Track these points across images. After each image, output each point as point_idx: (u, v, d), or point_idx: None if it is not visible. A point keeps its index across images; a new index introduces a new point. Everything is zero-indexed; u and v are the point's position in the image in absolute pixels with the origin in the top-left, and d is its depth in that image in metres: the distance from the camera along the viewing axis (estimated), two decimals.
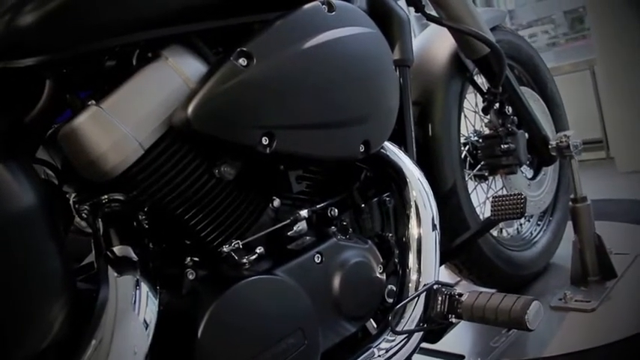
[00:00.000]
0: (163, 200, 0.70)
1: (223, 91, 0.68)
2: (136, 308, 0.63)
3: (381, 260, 0.89)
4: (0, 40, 0.63)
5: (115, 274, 0.65)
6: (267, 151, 0.71)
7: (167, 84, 0.69)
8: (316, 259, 0.79)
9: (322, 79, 0.76)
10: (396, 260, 0.95)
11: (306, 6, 0.77)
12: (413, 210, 0.95)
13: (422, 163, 1.09)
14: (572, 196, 1.42)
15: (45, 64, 0.63)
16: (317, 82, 0.75)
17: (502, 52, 1.23)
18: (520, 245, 1.49)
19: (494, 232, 1.50)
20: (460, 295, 0.86)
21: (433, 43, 1.31)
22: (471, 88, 1.37)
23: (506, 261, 1.40)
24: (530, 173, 1.50)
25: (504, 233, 1.55)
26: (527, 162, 1.41)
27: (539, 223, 1.58)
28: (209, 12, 0.73)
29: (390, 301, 0.90)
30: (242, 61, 0.69)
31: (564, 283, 1.45)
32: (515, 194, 0.93)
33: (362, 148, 0.82)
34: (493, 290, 0.86)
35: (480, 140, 1.37)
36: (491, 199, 0.98)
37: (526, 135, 1.36)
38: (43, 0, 0.63)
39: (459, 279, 1.45)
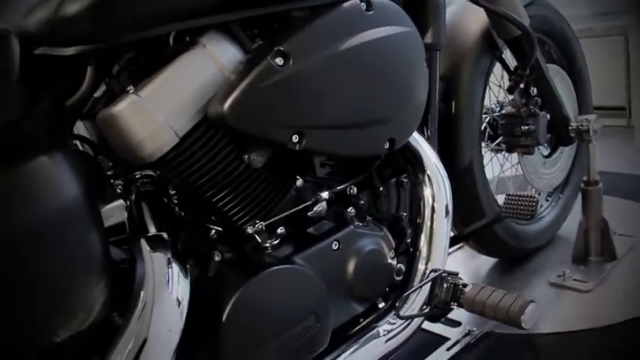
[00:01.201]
0: (194, 182, 0.74)
1: (259, 91, 0.70)
2: (170, 287, 0.68)
3: (394, 245, 0.94)
4: (44, 27, 0.65)
5: (150, 252, 0.70)
6: (297, 147, 0.74)
7: (204, 72, 0.71)
8: (334, 246, 0.84)
9: (355, 81, 0.78)
10: (408, 241, 1.00)
11: (346, 4, 0.77)
12: (428, 195, 0.99)
13: (442, 137, 1.12)
14: (584, 178, 1.44)
15: (87, 53, 0.66)
16: (350, 84, 0.77)
17: (534, 36, 1.22)
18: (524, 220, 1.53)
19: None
20: (464, 285, 0.92)
21: (466, 18, 1.30)
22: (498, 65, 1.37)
23: (510, 233, 1.44)
24: (546, 151, 1.52)
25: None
26: (546, 143, 1.42)
27: (548, 198, 1.61)
28: (248, 1, 0.74)
29: (399, 279, 0.96)
30: (279, 61, 0.71)
31: (566, 259, 1.51)
32: (528, 196, 0.96)
33: (387, 145, 0.85)
34: (493, 288, 0.91)
35: (502, 114, 1.38)
36: (505, 196, 1.01)
37: (548, 116, 1.37)
38: None
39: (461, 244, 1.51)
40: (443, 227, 1.00)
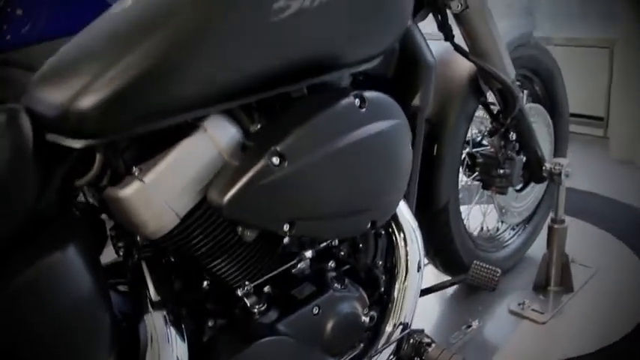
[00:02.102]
0: (191, 252, 0.80)
1: (256, 187, 0.75)
2: (171, 348, 0.77)
3: (368, 303, 1.02)
4: (55, 117, 0.69)
5: (151, 313, 0.77)
6: (287, 234, 0.80)
7: (204, 156, 0.76)
8: (314, 311, 0.92)
9: (345, 176, 0.83)
10: (382, 290, 1.08)
11: (341, 103, 0.81)
12: (402, 252, 1.07)
13: (422, 176, 1.18)
14: (552, 216, 1.53)
15: (97, 145, 0.70)
16: (340, 179, 0.83)
17: (518, 93, 1.27)
18: (492, 247, 1.63)
19: (474, 228, 1.63)
20: (428, 344, 1.01)
21: (455, 62, 1.33)
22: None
23: (474, 259, 1.52)
24: (519, 185, 1.59)
25: (484, 229, 1.67)
26: (520, 183, 1.49)
27: (514, 227, 1.70)
28: (254, 88, 0.77)
29: (369, 323, 1.04)
30: (275, 160, 0.75)
31: (528, 285, 1.62)
32: (493, 269, 1.04)
33: (369, 225, 0.91)
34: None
35: (480, 154, 1.44)
36: (474, 262, 1.09)
37: (523, 159, 1.44)
38: (100, 85, 0.68)
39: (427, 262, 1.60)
40: (415, 282, 1.08)
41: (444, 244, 1.44)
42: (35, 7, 1.99)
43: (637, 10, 2.31)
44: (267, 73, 0.78)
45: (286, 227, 0.80)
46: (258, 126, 0.82)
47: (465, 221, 1.52)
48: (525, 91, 1.58)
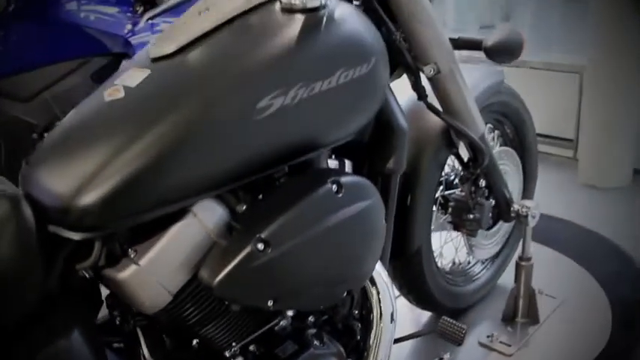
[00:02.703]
0: (182, 322, 0.88)
1: (243, 271, 0.82)
2: None
3: (345, 356, 1.09)
4: (56, 209, 0.76)
5: None
6: (271, 309, 0.88)
7: (195, 238, 0.84)
8: None
9: (325, 257, 0.90)
10: (358, 338, 1.16)
11: (319, 191, 0.88)
12: (375, 305, 1.14)
13: (397, 225, 1.26)
14: (520, 254, 1.62)
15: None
16: (320, 260, 0.90)
17: (486, 150, 1.35)
18: (462, 281, 1.72)
19: (446, 262, 1.71)
20: None
21: (428, 115, 1.40)
22: None
23: (445, 293, 1.62)
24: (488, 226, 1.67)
25: (456, 262, 1.76)
26: (488, 225, 1.57)
27: (483, 262, 1.79)
28: (240, 175, 0.85)
29: None
30: (260, 246, 0.82)
31: (497, 316, 1.71)
32: (459, 327, 1.12)
33: (345, 294, 0.99)
34: None
35: (452, 197, 1.52)
36: (442, 318, 1.17)
37: (492, 203, 1.52)
38: (99, 181, 0.75)
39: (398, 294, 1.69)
40: (388, 332, 1.15)
41: (417, 282, 1.52)
42: (15, 38, 2.02)
43: (604, 40, 2.41)
44: (252, 162, 0.86)
45: (270, 303, 0.87)
46: (244, 207, 0.89)
47: (437, 257, 1.61)
48: (497, 133, 1.67)
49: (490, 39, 1.24)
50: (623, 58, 2.38)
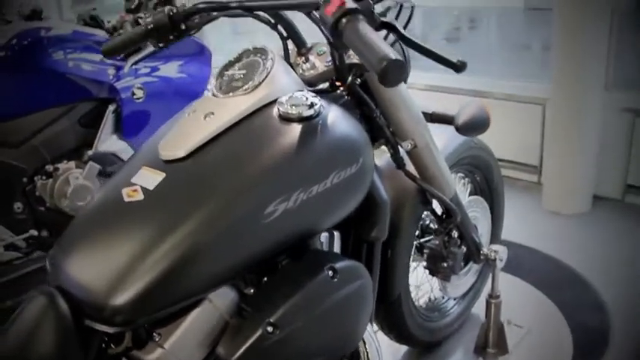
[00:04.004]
0: None
1: (255, 349, 0.94)
2: None
3: None
4: (92, 309, 0.88)
5: None
6: None
7: (211, 320, 0.96)
8: None
9: (325, 333, 1.03)
10: None
11: (318, 278, 1.00)
12: (363, 355, 1.27)
13: (380, 275, 1.39)
14: (490, 292, 1.78)
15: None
16: (321, 336, 1.02)
17: (459, 210, 1.49)
18: (437, 317, 1.87)
19: (422, 300, 1.85)
20: None
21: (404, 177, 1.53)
22: None
23: (422, 329, 1.76)
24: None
25: (431, 299, 1.90)
26: (461, 269, 1.72)
27: (455, 298, 1.94)
28: (250, 266, 0.98)
29: None
30: (269, 329, 0.94)
31: (470, 347, 1.86)
32: None
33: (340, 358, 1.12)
34: None
35: (427, 246, 1.66)
36: None
37: (464, 249, 1.66)
38: (131, 282, 0.86)
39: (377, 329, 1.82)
40: None
41: (398, 324, 1.66)
42: (3, 86, 2.09)
43: (563, 75, 2.59)
44: (260, 254, 0.98)
45: None
46: (252, 290, 1.02)
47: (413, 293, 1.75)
48: (468, 182, 1.82)
49: (461, 117, 1.37)
50: (586, 90, 2.55)
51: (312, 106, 1.03)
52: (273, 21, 1.22)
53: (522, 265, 2.27)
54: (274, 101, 1.06)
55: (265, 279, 1.03)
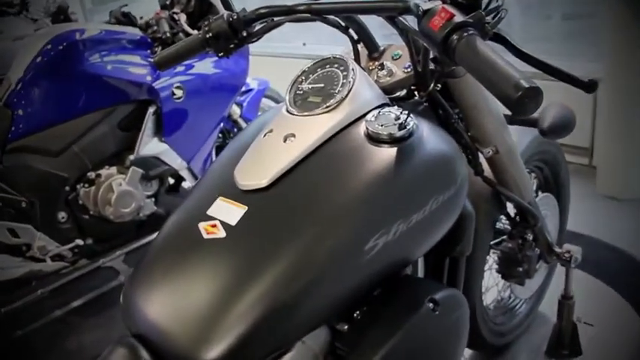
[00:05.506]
0: None
1: None
2: None
3: None
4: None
5: None
6: None
7: None
8: None
9: None
10: None
11: (419, 313, 0.92)
12: None
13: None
14: (562, 292, 1.69)
15: None
16: None
17: (539, 217, 1.40)
18: (505, 318, 1.79)
19: (489, 300, 1.78)
20: None
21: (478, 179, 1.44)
22: None
23: (493, 334, 1.69)
24: None
25: (499, 298, 1.83)
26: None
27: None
28: (347, 303, 0.91)
29: None
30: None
31: (539, 345, 1.78)
32: None
33: None
34: None
35: (502, 251, 1.57)
36: None
37: (538, 252, 1.58)
38: (220, 336, 0.79)
39: None
40: None
41: (471, 330, 1.57)
42: (41, 94, 2.01)
43: (618, 53, 2.45)
44: (358, 291, 0.90)
45: None
46: (345, 326, 0.93)
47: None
48: (534, 178, 1.72)
49: (546, 120, 1.27)
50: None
51: (403, 125, 0.94)
52: (343, 24, 1.12)
53: (585, 257, 2.17)
54: (359, 118, 0.97)
55: (358, 313, 0.95)
